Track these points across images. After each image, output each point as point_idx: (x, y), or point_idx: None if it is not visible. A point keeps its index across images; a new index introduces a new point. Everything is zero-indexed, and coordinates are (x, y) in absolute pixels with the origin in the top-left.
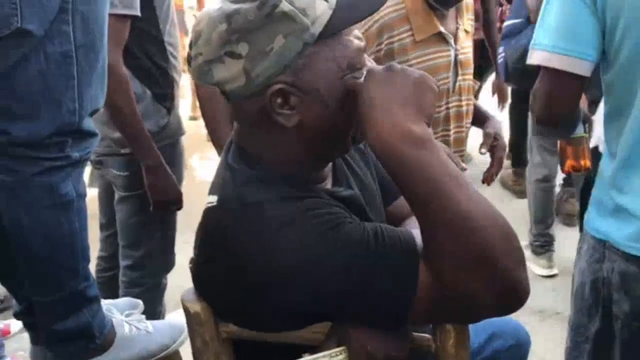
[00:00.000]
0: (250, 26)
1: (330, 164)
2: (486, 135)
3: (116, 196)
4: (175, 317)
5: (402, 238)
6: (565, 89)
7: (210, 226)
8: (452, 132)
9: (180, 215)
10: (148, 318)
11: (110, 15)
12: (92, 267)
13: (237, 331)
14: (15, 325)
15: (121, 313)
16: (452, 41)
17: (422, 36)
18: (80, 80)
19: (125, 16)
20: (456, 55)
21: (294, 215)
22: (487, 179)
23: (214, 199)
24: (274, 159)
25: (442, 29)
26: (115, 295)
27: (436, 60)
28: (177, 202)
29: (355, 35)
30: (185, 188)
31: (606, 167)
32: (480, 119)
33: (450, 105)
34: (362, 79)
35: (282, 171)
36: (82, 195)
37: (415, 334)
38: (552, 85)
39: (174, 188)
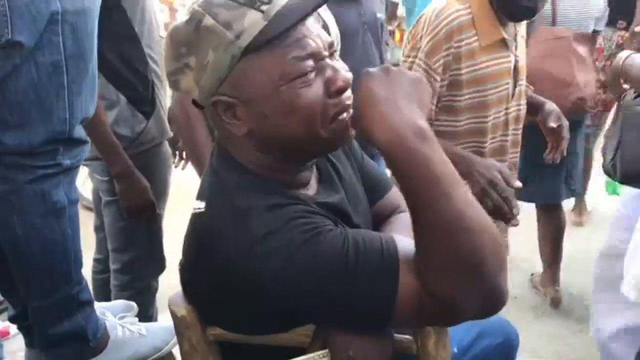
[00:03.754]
0: (185, 40)
1: (315, 167)
2: (550, 112)
3: (102, 200)
4: (168, 318)
5: (384, 244)
6: None
7: (198, 232)
8: (510, 135)
9: (174, 214)
10: (140, 321)
11: None
12: (88, 268)
13: (224, 334)
14: (15, 326)
15: (115, 316)
16: (513, 47)
17: (487, 41)
18: (71, 89)
19: None
20: (516, 61)
21: (274, 226)
22: (554, 155)
23: (201, 204)
24: (250, 164)
25: (505, 35)
26: (109, 297)
27: (500, 66)
28: (148, 210)
29: (301, 44)
30: (179, 187)
31: None
32: (536, 105)
33: (509, 110)
34: (359, 81)
35: (263, 176)
36: (73, 202)
37: (396, 334)
38: None
39: (145, 196)
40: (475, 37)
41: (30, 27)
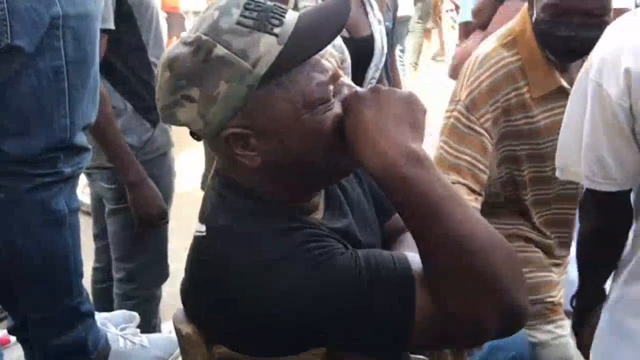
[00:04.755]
0: (191, 72)
1: (323, 191)
2: None
3: (106, 209)
4: (171, 326)
5: (397, 265)
6: None
7: (200, 257)
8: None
9: (174, 222)
10: (143, 330)
11: None
12: (88, 278)
13: (230, 353)
14: None
15: (116, 327)
16: None
17: (540, 92)
18: (72, 95)
19: (101, 31)
20: None
21: (284, 251)
22: None
23: (202, 228)
24: (258, 190)
25: (563, 82)
26: (110, 307)
27: (557, 117)
28: (161, 218)
29: (320, 68)
30: (182, 193)
31: None
32: None
33: None
34: (348, 103)
35: (272, 201)
36: (74, 210)
37: (411, 355)
38: None
39: (157, 203)
40: (527, 88)
41: (31, 31)
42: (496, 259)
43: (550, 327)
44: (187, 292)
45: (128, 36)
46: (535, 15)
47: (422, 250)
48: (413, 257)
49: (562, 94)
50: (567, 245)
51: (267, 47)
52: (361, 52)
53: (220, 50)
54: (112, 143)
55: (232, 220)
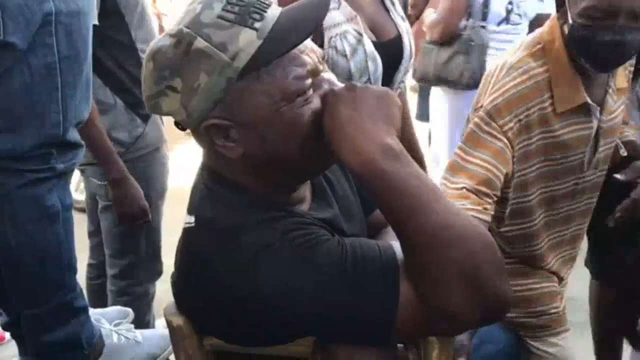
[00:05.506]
0: (172, 63)
1: (309, 182)
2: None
3: (99, 205)
4: (164, 323)
5: (382, 253)
6: None
7: (188, 248)
8: (582, 204)
9: (168, 217)
10: (137, 326)
11: None
12: (82, 274)
13: (220, 344)
14: None
15: (110, 322)
16: (597, 112)
17: (564, 107)
18: (64, 92)
19: None
20: (599, 127)
21: (269, 240)
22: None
23: (191, 219)
24: (242, 181)
25: (588, 99)
26: (105, 303)
27: (576, 134)
28: (142, 216)
29: (299, 62)
30: (175, 189)
31: None
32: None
33: (580, 180)
34: (325, 100)
35: (257, 193)
36: (67, 207)
37: (399, 345)
38: None
39: (138, 202)
40: (550, 101)
41: (23, 28)
42: (474, 249)
43: (554, 339)
44: (177, 283)
45: (115, 32)
46: (570, 22)
47: (402, 243)
48: (398, 247)
49: (584, 109)
50: (573, 260)
51: (247, 41)
52: (389, 55)
53: (200, 42)
54: (94, 139)
55: (218, 212)
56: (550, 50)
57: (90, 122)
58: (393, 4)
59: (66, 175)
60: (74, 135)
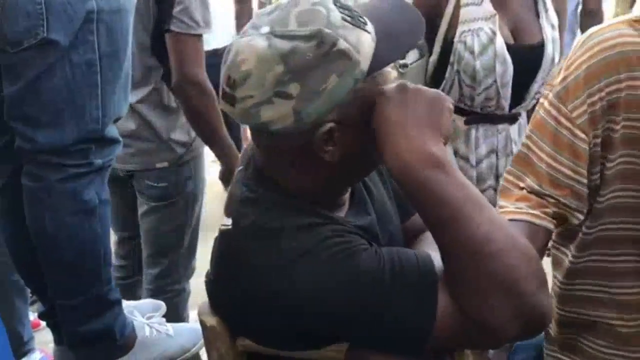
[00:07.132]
0: (306, 66)
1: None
2: None
3: (143, 207)
4: (195, 318)
5: (420, 263)
6: None
7: (225, 250)
8: None
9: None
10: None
11: (193, 35)
12: None
13: (253, 346)
14: None
15: (143, 315)
16: None
17: None
18: (104, 88)
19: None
20: None
21: (309, 246)
22: None
23: (229, 222)
24: (300, 188)
25: None
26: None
27: None
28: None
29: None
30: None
31: None
32: None
33: None
34: (375, 101)
35: (302, 198)
36: (104, 202)
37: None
38: None
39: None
40: None
41: (66, 25)
42: (514, 262)
43: None
44: (213, 285)
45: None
46: None
47: (441, 252)
48: (436, 257)
49: None
50: None
51: (367, 43)
52: (527, 62)
53: (342, 44)
54: (215, 131)
55: (258, 215)
56: None
57: (213, 116)
58: (546, 9)
59: (103, 170)
60: (112, 131)
